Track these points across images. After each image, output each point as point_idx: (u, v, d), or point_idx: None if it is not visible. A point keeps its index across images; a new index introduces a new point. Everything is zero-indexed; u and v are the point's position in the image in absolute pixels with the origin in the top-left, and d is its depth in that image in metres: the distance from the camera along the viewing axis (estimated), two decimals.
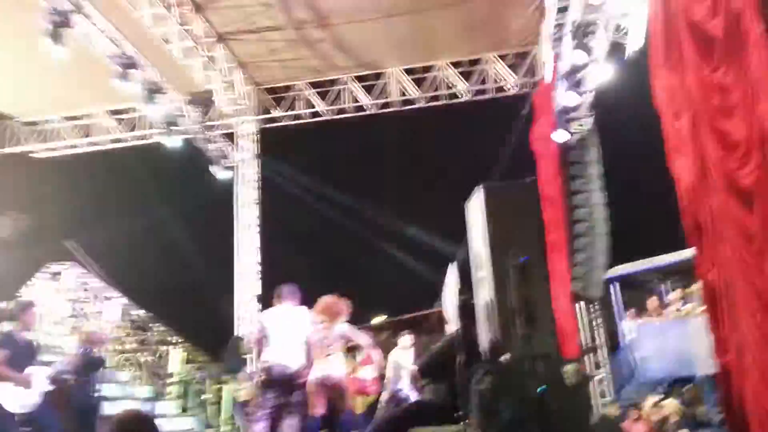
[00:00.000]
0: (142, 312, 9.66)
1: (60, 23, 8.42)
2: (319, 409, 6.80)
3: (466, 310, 4.80)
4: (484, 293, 4.80)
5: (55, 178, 13.15)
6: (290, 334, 6.29)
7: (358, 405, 8.15)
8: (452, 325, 5.08)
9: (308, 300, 7.11)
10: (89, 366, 6.68)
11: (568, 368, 4.46)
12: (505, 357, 4.42)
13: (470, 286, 5.09)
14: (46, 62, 10.99)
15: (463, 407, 4.39)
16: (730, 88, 4.96)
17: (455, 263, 5.14)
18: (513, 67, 13.07)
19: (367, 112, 13.28)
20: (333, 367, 7.03)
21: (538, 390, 4.31)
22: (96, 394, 6.56)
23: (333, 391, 6.84)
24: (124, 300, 9.61)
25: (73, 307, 9.07)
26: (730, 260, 4.83)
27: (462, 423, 4.26)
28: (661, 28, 5.79)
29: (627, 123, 12.84)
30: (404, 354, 8.07)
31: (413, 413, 5.21)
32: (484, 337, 4.88)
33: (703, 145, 5.19)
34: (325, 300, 7.08)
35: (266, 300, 12.24)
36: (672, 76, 5.65)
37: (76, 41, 9.45)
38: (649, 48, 6.04)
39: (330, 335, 6.96)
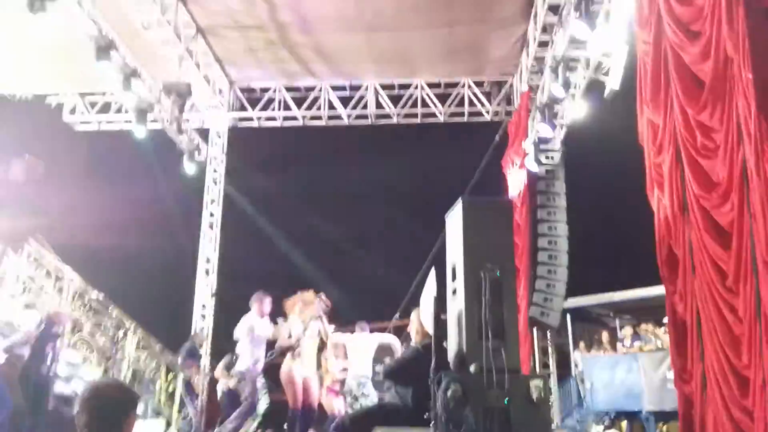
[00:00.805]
0: (98, 294, 9.40)
1: None
2: (291, 403, 6.93)
3: (439, 319, 4.81)
4: (457, 304, 4.83)
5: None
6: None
7: (330, 402, 8.16)
8: (428, 331, 5.08)
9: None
10: (45, 342, 6.43)
11: (534, 383, 4.51)
12: (473, 367, 4.45)
13: (444, 297, 5.11)
14: (20, 38, 10.79)
15: (430, 413, 4.39)
16: (715, 130, 5.17)
17: (433, 273, 5.15)
18: (488, 94, 13.30)
19: (343, 122, 13.27)
20: (303, 362, 7.14)
21: (504, 402, 4.35)
22: (50, 372, 6.31)
23: (298, 386, 6.96)
24: (79, 281, 9.33)
25: (24, 283, 8.73)
26: (702, 294, 4.99)
27: (431, 425, 4.24)
28: (651, 66, 6.01)
29: (594, 160, 13.24)
30: (366, 356, 8.11)
31: (376, 414, 5.21)
32: (454, 347, 4.90)
33: (684, 182, 5.38)
34: (298, 294, 7.22)
35: (222, 296, 12.17)
36: (657, 113, 5.86)
37: (52, 19, 9.21)
38: (637, 84, 6.25)
39: (294, 329, 7.08)
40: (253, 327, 7.49)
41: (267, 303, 7.63)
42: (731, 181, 4.82)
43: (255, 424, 7.72)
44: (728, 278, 4.77)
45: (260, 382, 7.64)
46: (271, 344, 7.55)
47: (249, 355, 7.48)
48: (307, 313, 7.26)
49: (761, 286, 4.31)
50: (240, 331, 7.62)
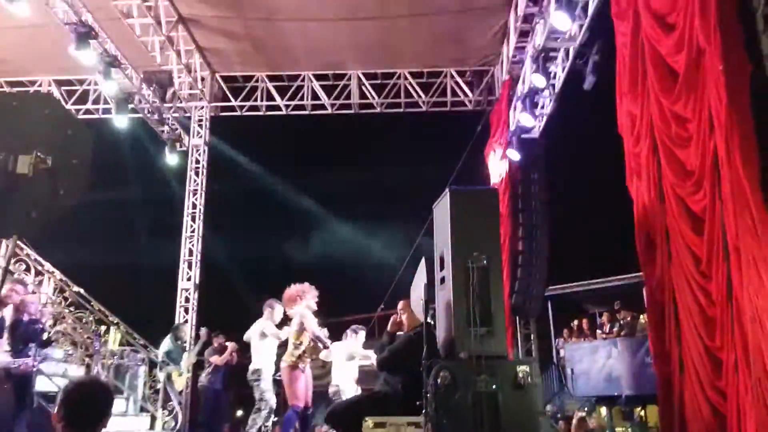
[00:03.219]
0: (78, 289, 9.30)
1: None
2: (293, 400, 7.01)
3: (428, 308, 4.90)
4: (445, 293, 4.93)
5: None
6: None
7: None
8: (418, 319, 5.17)
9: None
10: (27, 338, 6.39)
11: (521, 369, 4.65)
12: (462, 354, 4.56)
13: (433, 285, 5.21)
14: None
15: (421, 400, 4.48)
16: (688, 120, 5.31)
17: (423, 262, 5.24)
18: (470, 84, 13.37)
19: (326, 112, 13.27)
20: (284, 358, 7.24)
21: (492, 387, 4.47)
22: (33, 368, 6.27)
23: (301, 383, 7.04)
24: (59, 275, 9.23)
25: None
26: (678, 279, 5.14)
27: (422, 413, 4.34)
28: (629, 58, 6.14)
29: (575, 150, 13.41)
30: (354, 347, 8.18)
31: (366, 402, 5.26)
32: (443, 334, 5.00)
33: (660, 170, 5.52)
34: (295, 287, 7.32)
35: (204, 289, 12.17)
36: (635, 104, 5.99)
37: (32, 4, 9.13)
38: (616, 76, 6.37)
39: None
40: (265, 329, 7.67)
41: (278, 311, 7.75)
42: (703, 169, 4.97)
43: (270, 423, 7.77)
44: (702, 263, 4.92)
45: (271, 382, 7.76)
46: (281, 346, 7.75)
47: (261, 357, 7.64)
48: (297, 307, 7.38)
49: (732, 270, 4.47)
50: (252, 333, 7.82)
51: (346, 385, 8.06)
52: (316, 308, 7.56)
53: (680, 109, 5.38)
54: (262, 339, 7.68)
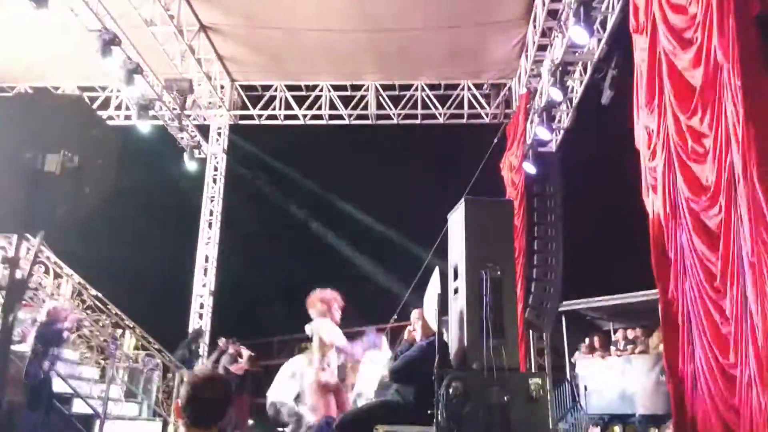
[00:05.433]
0: (96, 293, 9.40)
1: None
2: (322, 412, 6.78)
3: (441, 318, 4.89)
4: (458, 303, 4.93)
5: None
6: None
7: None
8: (432, 329, 5.15)
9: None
10: (49, 340, 6.48)
11: (533, 381, 4.62)
12: (474, 365, 4.54)
13: (446, 296, 5.20)
14: (20, 29, 10.87)
15: (432, 410, 4.47)
16: (705, 135, 5.29)
17: (437, 271, 5.23)
18: (487, 97, 13.41)
19: (344, 122, 13.37)
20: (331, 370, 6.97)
21: (504, 399, 4.45)
22: (50, 370, 6.34)
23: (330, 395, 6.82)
24: (77, 278, 9.34)
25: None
26: (692, 295, 5.11)
27: (433, 423, 4.33)
28: (647, 72, 6.14)
29: (591, 164, 13.35)
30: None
31: (378, 411, 5.25)
32: (455, 344, 4.99)
33: (676, 185, 5.50)
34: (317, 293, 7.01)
35: (220, 295, 12.26)
36: (651, 118, 5.98)
37: (58, 11, 9.30)
38: (633, 89, 6.37)
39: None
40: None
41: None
42: (719, 185, 4.94)
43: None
44: (716, 279, 4.89)
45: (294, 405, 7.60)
46: None
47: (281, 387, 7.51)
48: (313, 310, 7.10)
49: (747, 286, 4.43)
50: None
51: (368, 391, 7.84)
52: (338, 319, 6.97)
53: (697, 124, 5.36)
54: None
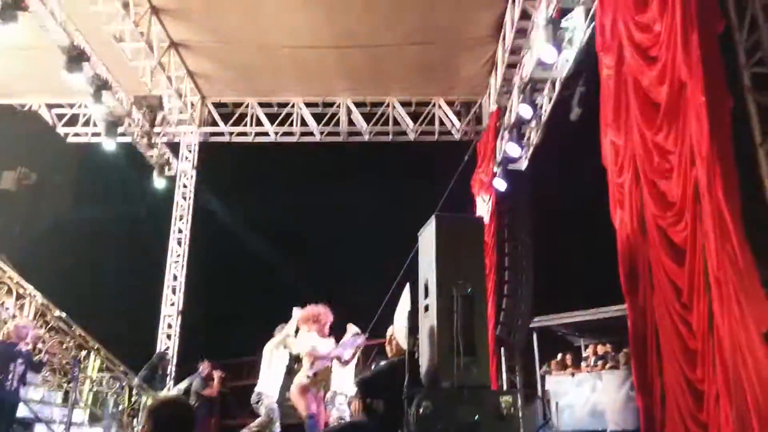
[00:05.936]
0: (60, 314, 9.12)
1: (13, 3, 8.10)
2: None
3: (411, 335, 4.84)
4: (429, 321, 4.88)
5: None
6: None
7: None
8: (402, 347, 5.11)
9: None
10: (9, 360, 6.28)
11: (504, 399, 4.58)
12: (445, 383, 4.50)
13: (417, 313, 5.15)
14: None
15: (402, 429, 4.41)
16: (669, 151, 5.36)
17: (407, 289, 5.20)
18: (458, 114, 13.50)
19: (315, 138, 13.33)
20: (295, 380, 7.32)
21: (475, 417, 4.40)
22: (14, 389, 6.14)
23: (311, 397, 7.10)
24: (40, 299, 9.07)
25: None
26: (660, 310, 5.14)
27: None
28: (613, 90, 6.22)
29: (560, 180, 13.48)
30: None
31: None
32: (426, 362, 4.94)
33: (642, 201, 5.56)
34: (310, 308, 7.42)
35: (189, 315, 12.04)
36: (619, 135, 6.06)
37: (25, 28, 9.14)
38: (600, 107, 6.44)
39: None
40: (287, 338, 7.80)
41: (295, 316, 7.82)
42: (685, 200, 4.99)
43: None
44: (683, 294, 4.92)
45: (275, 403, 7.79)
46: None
47: (266, 379, 7.74)
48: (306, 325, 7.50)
49: (713, 301, 4.47)
50: (269, 345, 7.92)
51: (344, 389, 7.98)
52: (326, 332, 7.61)
53: (662, 141, 5.44)
54: (277, 351, 7.67)
